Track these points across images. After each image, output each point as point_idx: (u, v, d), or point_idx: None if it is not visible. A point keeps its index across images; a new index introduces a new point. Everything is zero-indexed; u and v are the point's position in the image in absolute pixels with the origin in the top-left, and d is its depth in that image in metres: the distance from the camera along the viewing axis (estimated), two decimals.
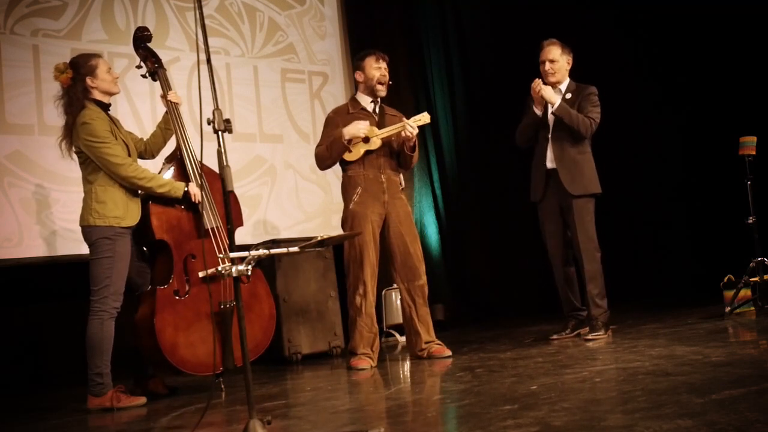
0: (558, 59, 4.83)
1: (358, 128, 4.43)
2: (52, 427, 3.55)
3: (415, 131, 4.45)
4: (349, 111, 4.60)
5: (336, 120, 4.57)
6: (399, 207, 4.56)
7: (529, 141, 4.94)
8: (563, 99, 4.80)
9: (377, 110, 4.62)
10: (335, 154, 4.48)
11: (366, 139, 4.46)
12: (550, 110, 4.79)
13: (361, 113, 4.57)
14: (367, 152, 4.48)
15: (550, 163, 4.81)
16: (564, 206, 4.81)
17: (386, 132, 4.49)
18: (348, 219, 4.48)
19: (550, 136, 4.80)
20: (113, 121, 4.03)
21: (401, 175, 4.74)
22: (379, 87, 4.57)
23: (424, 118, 4.52)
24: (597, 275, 4.74)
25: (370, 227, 4.43)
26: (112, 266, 3.85)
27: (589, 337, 4.62)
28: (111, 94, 4.02)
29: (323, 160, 4.56)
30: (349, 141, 4.43)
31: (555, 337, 4.85)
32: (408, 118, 4.51)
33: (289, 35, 6.56)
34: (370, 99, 4.61)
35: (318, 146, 4.60)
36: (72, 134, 3.92)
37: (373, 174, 4.49)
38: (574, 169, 4.76)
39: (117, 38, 5.61)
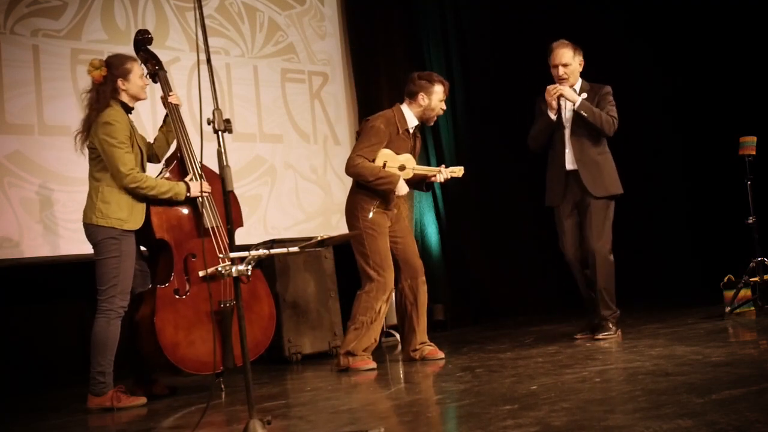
0: (571, 62, 4.69)
1: (405, 190, 4.39)
2: (52, 427, 3.56)
3: (446, 180, 4.55)
4: (398, 131, 4.44)
5: (385, 135, 4.39)
6: (400, 211, 4.59)
7: (543, 146, 4.81)
8: None
9: (414, 134, 4.57)
10: (376, 187, 4.35)
11: (401, 167, 4.45)
12: (571, 108, 4.66)
13: (404, 134, 4.47)
14: None
15: (570, 165, 4.70)
16: (580, 207, 4.73)
17: (421, 170, 4.54)
18: (370, 228, 4.38)
19: (567, 138, 4.69)
20: (132, 126, 4.04)
21: None
22: (434, 119, 4.56)
23: (459, 171, 4.59)
24: (609, 277, 4.69)
25: (388, 236, 4.45)
26: (119, 265, 3.85)
27: (600, 336, 4.59)
28: (138, 99, 4.06)
29: (360, 177, 4.37)
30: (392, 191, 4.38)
31: (579, 336, 4.78)
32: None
33: (289, 35, 6.56)
34: (417, 122, 4.51)
35: (360, 156, 4.34)
36: (90, 129, 3.93)
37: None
38: (595, 170, 4.67)
39: (117, 38, 5.60)
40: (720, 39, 7.10)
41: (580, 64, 4.76)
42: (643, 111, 7.49)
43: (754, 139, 5.37)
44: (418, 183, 4.65)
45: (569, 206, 4.77)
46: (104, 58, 4.10)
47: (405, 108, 4.51)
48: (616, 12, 7.57)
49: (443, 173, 4.53)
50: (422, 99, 4.46)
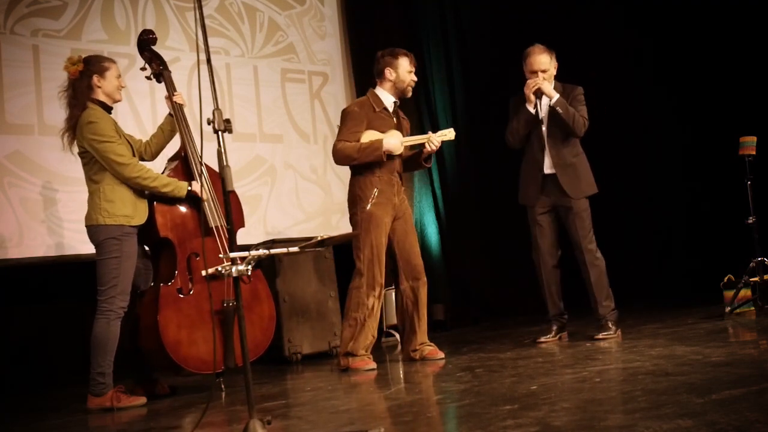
0: (548, 67, 4.73)
1: (397, 145, 4.36)
2: (52, 427, 3.56)
3: (438, 146, 4.48)
4: (375, 109, 4.46)
5: (361, 116, 4.42)
6: (405, 207, 4.57)
7: (523, 142, 4.83)
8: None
9: (396, 111, 4.57)
10: (365, 159, 4.34)
11: None
12: (548, 103, 4.69)
13: (384, 113, 4.49)
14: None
15: (548, 169, 4.73)
16: (561, 210, 4.76)
17: (411, 141, 4.49)
18: (365, 220, 4.36)
19: (546, 142, 4.72)
20: (116, 125, 4.03)
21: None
22: (408, 90, 4.54)
23: (450, 134, 4.50)
24: (601, 276, 4.71)
25: (385, 230, 4.41)
26: (119, 266, 3.86)
27: (600, 336, 4.59)
28: (113, 99, 4.03)
29: (347, 159, 4.38)
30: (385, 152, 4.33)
31: (543, 339, 4.78)
32: (411, 122, 4.48)
33: (289, 35, 6.56)
34: (393, 99, 4.53)
35: (340, 141, 4.38)
36: (75, 130, 3.93)
37: (387, 176, 4.43)
38: (572, 173, 4.72)
39: (117, 38, 5.60)
40: (720, 39, 7.10)
41: (555, 68, 4.79)
42: (643, 111, 7.49)
43: (754, 139, 5.37)
44: (416, 162, 4.62)
45: (545, 207, 4.80)
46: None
47: (378, 90, 4.54)
48: (616, 12, 7.56)
49: (433, 140, 4.45)
50: (389, 74, 4.50)
